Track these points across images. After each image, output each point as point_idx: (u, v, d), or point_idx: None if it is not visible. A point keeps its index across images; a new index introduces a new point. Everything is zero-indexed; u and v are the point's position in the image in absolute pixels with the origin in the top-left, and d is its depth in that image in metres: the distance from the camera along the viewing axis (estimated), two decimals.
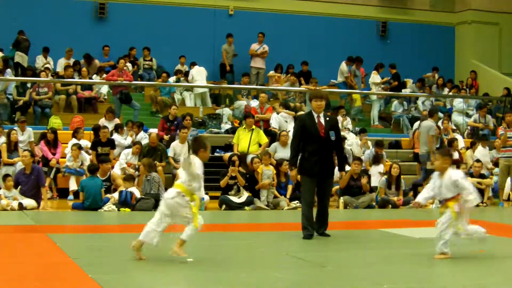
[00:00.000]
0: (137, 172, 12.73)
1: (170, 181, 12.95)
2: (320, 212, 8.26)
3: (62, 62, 17.43)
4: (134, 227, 8.50)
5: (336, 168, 8.49)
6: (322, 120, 8.13)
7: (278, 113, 15.75)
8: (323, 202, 8.29)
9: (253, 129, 14.01)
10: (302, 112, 15.15)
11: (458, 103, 18.73)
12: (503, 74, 21.20)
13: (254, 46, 19.22)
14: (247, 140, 13.84)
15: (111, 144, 13.47)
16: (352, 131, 16.11)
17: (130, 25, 19.07)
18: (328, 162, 8.16)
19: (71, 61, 17.40)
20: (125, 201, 11.23)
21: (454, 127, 17.35)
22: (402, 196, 12.96)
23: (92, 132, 14.05)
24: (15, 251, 6.96)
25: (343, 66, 18.69)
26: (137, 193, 11.51)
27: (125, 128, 14.39)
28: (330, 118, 8.35)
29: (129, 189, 11.51)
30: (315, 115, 8.16)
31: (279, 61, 19.09)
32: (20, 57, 17.02)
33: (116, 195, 11.43)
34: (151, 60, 18.54)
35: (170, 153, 13.28)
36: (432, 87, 19.88)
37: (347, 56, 18.96)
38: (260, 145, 13.96)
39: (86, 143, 13.65)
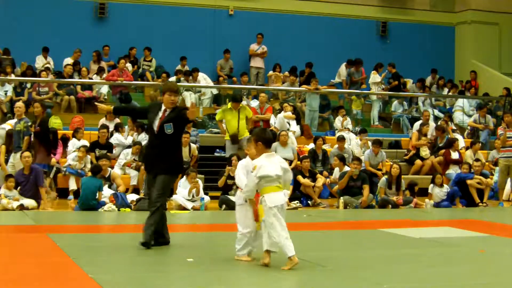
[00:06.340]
0: (136, 172, 12.75)
1: None
2: None
3: (68, 62, 17.26)
4: (134, 227, 8.50)
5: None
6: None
7: (280, 112, 15.66)
8: None
9: (239, 108, 13.90)
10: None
11: (463, 103, 18.75)
12: (503, 74, 21.19)
13: (254, 47, 19.24)
14: (235, 120, 13.74)
15: (109, 147, 13.45)
16: (352, 131, 16.10)
17: (130, 25, 19.05)
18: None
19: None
20: (123, 203, 11.20)
21: (454, 127, 17.34)
22: (402, 196, 12.96)
23: (97, 132, 13.97)
24: (15, 251, 6.96)
25: (342, 69, 18.71)
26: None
27: (126, 126, 14.36)
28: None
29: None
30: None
31: (279, 61, 19.06)
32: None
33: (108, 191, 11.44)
34: (150, 60, 18.50)
35: None
36: (432, 87, 19.87)
37: (347, 57, 19.00)
38: (247, 118, 13.91)
39: (85, 143, 13.60)
